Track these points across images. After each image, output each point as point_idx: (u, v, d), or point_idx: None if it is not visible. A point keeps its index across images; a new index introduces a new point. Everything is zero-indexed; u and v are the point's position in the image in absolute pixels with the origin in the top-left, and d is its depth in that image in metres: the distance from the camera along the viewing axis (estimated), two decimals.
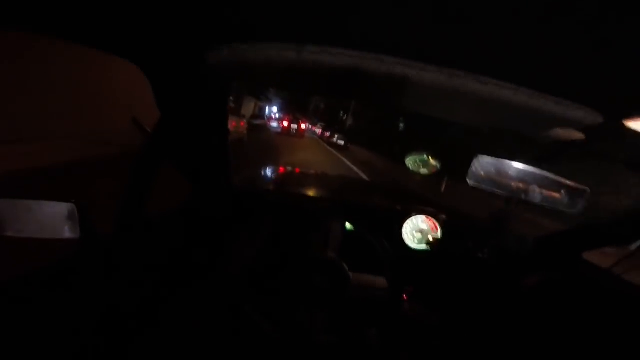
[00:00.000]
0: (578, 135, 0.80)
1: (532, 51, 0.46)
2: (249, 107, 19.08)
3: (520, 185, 0.98)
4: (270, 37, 0.56)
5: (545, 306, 1.26)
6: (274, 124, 24.67)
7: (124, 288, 0.90)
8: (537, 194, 0.97)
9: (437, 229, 1.34)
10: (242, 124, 11.56)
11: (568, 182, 0.94)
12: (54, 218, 0.77)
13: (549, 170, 0.96)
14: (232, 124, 11.01)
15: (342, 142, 19.35)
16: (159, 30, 0.59)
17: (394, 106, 0.76)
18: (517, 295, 1.27)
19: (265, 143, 12.65)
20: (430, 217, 1.34)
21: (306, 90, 0.86)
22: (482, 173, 0.99)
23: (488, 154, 1.01)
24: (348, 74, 0.60)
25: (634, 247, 1.09)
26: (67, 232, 0.78)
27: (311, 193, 1.48)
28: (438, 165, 1.41)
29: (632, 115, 0.63)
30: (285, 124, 23.66)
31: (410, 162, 1.43)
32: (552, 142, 0.87)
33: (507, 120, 0.77)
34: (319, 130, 28.04)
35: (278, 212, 1.10)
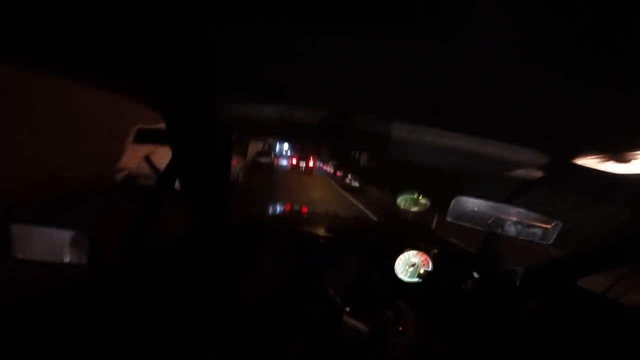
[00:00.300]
0: (539, 174, 0.91)
1: (482, 101, 0.55)
2: (256, 145, 19.14)
3: (496, 220, 1.05)
4: (275, 99, 0.68)
5: (540, 334, 1.25)
6: (283, 162, 25.13)
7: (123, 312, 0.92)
8: (512, 228, 1.04)
9: (428, 262, 1.39)
10: (234, 162, 11.34)
11: (539, 216, 1.02)
12: (62, 244, 0.83)
13: (521, 206, 1.05)
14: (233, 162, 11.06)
15: (356, 184, 16.77)
16: (181, 87, 0.69)
17: (375, 151, 0.89)
18: (508, 324, 1.27)
19: (270, 180, 12.59)
20: (421, 252, 1.40)
21: (300, 140, 1.00)
22: (460, 211, 1.07)
23: (467, 194, 1.10)
24: (332, 127, 0.72)
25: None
26: (74, 258, 0.84)
27: (306, 230, 1.54)
28: (427, 204, 1.50)
29: (580, 154, 0.73)
30: (294, 161, 24.10)
31: (401, 201, 1.52)
32: (520, 180, 0.97)
33: (467, 164, 0.88)
34: (330, 169, 27.12)
35: (274, 248, 1.14)
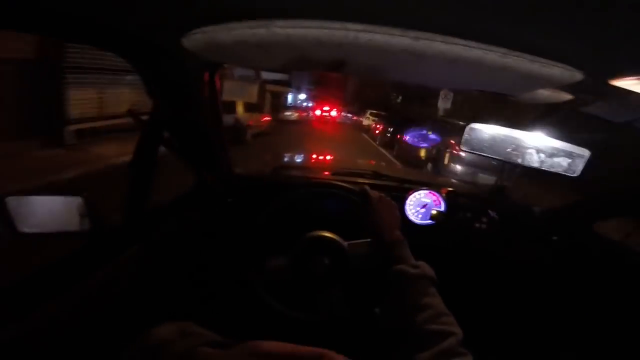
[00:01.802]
0: (566, 96, 0.78)
1: (505, 8, 0.44)
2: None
3: (516, 149, 0.96)
4: (240, 16, 0.57)
5: (554, 278, 1.25)
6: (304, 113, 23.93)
7: (138, 278, 0.96)
8: (534, 157, 0.95)
9: (440, 202, 1.33)
10: (268, 117, 11.44)
11: (565, 145, 0.92)
12: (66, 212, 0.83)
13: (545, 133, 0.94)
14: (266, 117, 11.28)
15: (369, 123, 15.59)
16: (137, 22, 0.63)
17: (368, 74, 0.77)
18: (523, 265, 1.27)
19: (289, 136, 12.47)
20: (433, 192, 1.33)
21: (286, 66, 0.86)
22: (476, 140, 0.98)
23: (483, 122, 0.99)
24: (321, 46, 0.61)
25: None
26: (77, 225, 0.84)
27: (310, 175, 1.50)
28: (437, 139, 1.40)
29: (617, 74, 0.61)
30: (319, 112, 23.41)
31: (410, 138, 1.42)
32: (541, 104, 0.85)
33: (485, 82, 0.76)
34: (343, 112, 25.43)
35: (275, 196, 1.11)
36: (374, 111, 19.42)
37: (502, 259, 1.28)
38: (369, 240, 0.99)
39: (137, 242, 0.95)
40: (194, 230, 1.12)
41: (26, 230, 0.78)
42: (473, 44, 0.56)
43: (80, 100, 6.99)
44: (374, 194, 0.90)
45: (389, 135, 11.80)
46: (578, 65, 0.61)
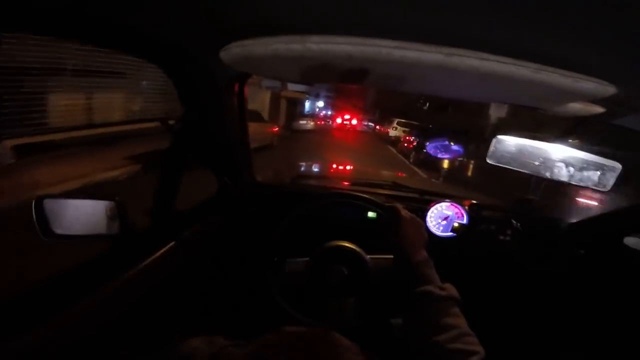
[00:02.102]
0: (598, 109, 0.78)
1: (537, 22, 0.44)
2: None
3: (544, 162, 0.95)
4: (277, 31, 0.59)
5: (580, 291, 1.22)
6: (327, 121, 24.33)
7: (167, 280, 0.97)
8: (562, 171, 0.93)
9: (462, 215, 1.32)
10: (274, 129, 11.09)
11: (596, 158, 0.90)
12: (96, 215, 0.85)
13: (576, 147, 0.93)
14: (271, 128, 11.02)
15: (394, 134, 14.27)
16: (176, 32, 0.65)
17: (395, 87, 0.77)
18: (548, 278, 1.24)
19: (303, 140, 12.60)
20: (455, 204, 1.32)
21: (317, 79, 0.89)
22: (503, 152, 0.97)
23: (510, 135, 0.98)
24: (353, 61, 0.62)
25: None
26: (108, 229, 0.86)
27: (333, 185, 1.51)
28: (460, 150, 1.39)
29: None
30: (339, 120, 23.36)
31: (432, 148, 1.42)
32: (573, 117, 0.84)
33: (516, 96, 0.76)
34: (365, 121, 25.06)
35: (297, 204, 1.12)
36: (403, 120, 17.49)
37: (526, 271, 1.26)
38: (392, 256, 0.99)
39: (163, 245, 0.97)
40: (216, 234, 1.14)
41: (59, 231, 0.80)
42: (506, 59, 0.57)
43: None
44: (405, 212, 0.91)
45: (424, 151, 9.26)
46: (611, 79, 0.60)
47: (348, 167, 2.54)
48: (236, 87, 0.91)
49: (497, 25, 0.47)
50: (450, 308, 0.67)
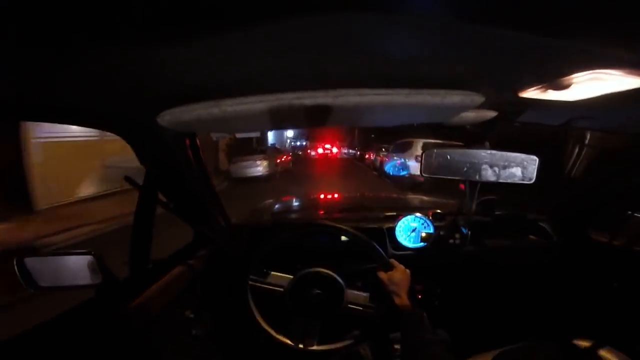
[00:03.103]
0: (491, 113, 0.87)
1: (396, 58, 0.54)
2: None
3: (471, 167, 1.02)
4: (196, 99, 0.73)
5: (552, 279, 1.24)
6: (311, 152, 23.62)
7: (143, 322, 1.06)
8: (489, 172, 1.00)
9: (428, 225, 1.38)
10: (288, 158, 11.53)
11: (514, 155, 0.97)
12: (77, 268, 0.97)
13: (495, 148, 1.01)
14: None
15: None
16: (115, 103, 0.76)
17: (316, 126, 0.90)
18: (519, 272, 1.27)
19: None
20: (419, 215, 1.39)
21: (246, 131, 1.04)
22: (434, 164, 1.05)
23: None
24: (266, 114, 0.76)
25: None
26: (90, 279, 0.97)
27: (306, 215, 1.60)
28: (413, 165, 1.48)
29: (520, 87, 0.70)
30: (320, 150, 23.07)
31: (390, 168, 1.52)
32: (477, 123, 0.94)
33: (409, 117, 0.86)
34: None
35: (275, 236, 1.21)
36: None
37: (498, 267, 1.30)
38: (369, 295, 1.13)
39: (142, 292, 1.07)
40: (195, 274, 1.23)
41: (43, 284, 0.92)
42: (380, 91, 0.69)
43: None
44: (398, 266, 1.08)
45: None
46: (476, 89, 0.71)
47: (323, 196, 2.64)
48: (187, 142, 1.05)
49: (364, 66, 0.58)
50: (441, 352, 0.77)
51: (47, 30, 0.37)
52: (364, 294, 1.12)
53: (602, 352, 0.88)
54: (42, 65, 0.49)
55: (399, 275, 1.03)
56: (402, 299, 0.97)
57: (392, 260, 1.07)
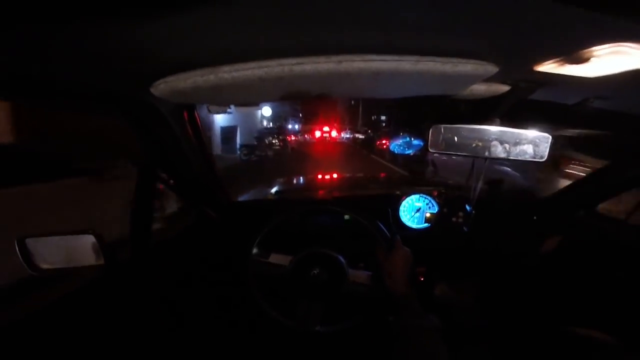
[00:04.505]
0: (504, 87, 0.82)
1: (406, 19, 0.49)
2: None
3: (482, 144, 0.99)
4: (192, 66, 0.68)
5: (559, 266, 1.22)
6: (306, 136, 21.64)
7: (148, 303, 1.06)
8: (499, 148, 0.97)
9: (433, 205, 1.36)
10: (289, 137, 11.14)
11: (527, 132, 0.94)
12: (79, 248, 0.95)
13: (506, 125, 0.97)
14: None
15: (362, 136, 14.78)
16: (106, 78, 0.73)
17: (316, 96, 0.85)
18: (523, 258, 1.25)
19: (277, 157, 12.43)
20: (424, 195, 1.36)
21: (242, 103, 0.99)
22: (441, 140, 1.02)
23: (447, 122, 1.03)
24: (265, 81, 0.71)
25: None
26: (92, 260, 0.96)
27: (310, 194, 1.58)
28: (420, 143, 1.44)
29: (536, 59, 0.65)
30: (318, 133, 20.55)
31: (395, 147, 1.48)
32: (487, 98, 0.89)
33: (416, 88, 0.81)
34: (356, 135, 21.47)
35: (277, 214, 1.19)
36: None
37: (503, 253, 1.28)
38: (371, 273, 1.09)
39: (146, 274, 1.06)
40: (198, 249, 1.23)
41: (45, 266, 0.91)
42: (387, 57, 0.64)
43: None
44: (400, 247, 1.03)
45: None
46: (490, 59, 0.66)
47: (324, 176, 2.61)
48: (185, 116, 1.00)
49: (370, 30, 0.53)
50: (432, 338, 0.73)
51: (37, 4, 0.35)
52: (367, 273, 1.10)
53: None
54: (33, 40, 0.46)
55: (398, 257, 0.99)
56: (394, 281, 0.94)
57: (397, 240, 1.04)
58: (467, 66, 0.66)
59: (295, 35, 0.55)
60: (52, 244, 0.93)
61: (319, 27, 0.52)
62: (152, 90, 0.75)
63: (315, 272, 1.08)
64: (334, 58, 0.64)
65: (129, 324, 0.99)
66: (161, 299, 1.10)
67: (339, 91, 0.84)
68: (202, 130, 1.08)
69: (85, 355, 0.88)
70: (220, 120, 12.99)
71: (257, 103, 0.97)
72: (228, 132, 14.10)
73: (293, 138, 18.46)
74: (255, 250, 1.11)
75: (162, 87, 0.73)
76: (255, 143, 13.83)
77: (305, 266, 1.08)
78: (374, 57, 0.63)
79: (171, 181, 1.14)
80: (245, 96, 0.86)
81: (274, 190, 1.63)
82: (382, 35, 0.56)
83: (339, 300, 1.07)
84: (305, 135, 20.70)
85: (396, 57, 0.64)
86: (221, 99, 0.88)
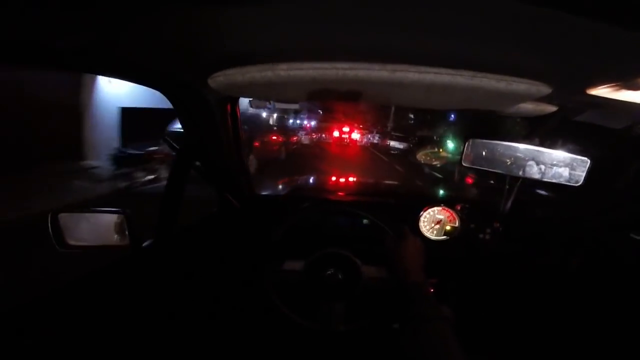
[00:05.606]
0: (551, 108, 0.83)
1: (465, 35, 0.50)
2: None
3: (516, 162, 0.99)
4: (252, 61, 0.69)
5: (587, 288, 1.21)
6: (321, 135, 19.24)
7: (169, 287, 1.07)
8: (534, 169, 0.97)
9: (454, 218, 1.35)
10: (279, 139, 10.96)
11: (565, 154, 0.94)
12: (107, 228, 0.95)
13: (544, 145, 0.97)
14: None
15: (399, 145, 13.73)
16: (170, 64, 0.76)
17: (364, 102, 0.86)
18: (548, 275, 1.25)
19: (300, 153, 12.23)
20: (446, 208, 1.36)
21: (292, 100, 1.00)
22: (476, 154, 1.02)
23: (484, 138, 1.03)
24: (317, 83, 0.72)
25: None
26: (119, 239, 0.96)
27: (327, 195, 1.58)
28: (448, 156, 1.44)
29: (591, 83, 0.66)
30: (336, 133, 17.80)
31: (422, 156, 1.48)
32: (533, 118, 0.89)
33: (465, 102, 0.82)
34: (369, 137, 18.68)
35: (294, 213, 1.20)
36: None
37: (524, 269, 1.28)
38: (384, 267, 1.08)
39: (167, 258, 1.07)
40: (218, 242, 1.23)
41: (72, 243, 0.90)
42: (442, 70, 0.64)
43: None
44: (410, 236, 1.00)
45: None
46: (541, 79, 0.66)
47: (345, 179, 2.62)
48: (228, 108, 1.02)
49: (429, 41, 0.54)
50: (441, 328, 0.72)
51: None
52: (381, 267, 1.09)
53: None
54: (107, 18, 0.47)
55: (408, 246, 0.98)
56: (406, 270, 0.92)
57: (406, 229, 1.03)
58: (520, 85, 0.66)
59: (352, 38, 0.55)
60: (83, 220, 0.93)
61: (378, 32, 0.52)
62: (210, 81, 0.77)
63: (330, 272, 1.08)
64: (389, 67, 0.64)
65: (150, 307, 0.99)
66: (180, 285, 1.11)
67: (388, 99, 0.85)
68: (240, 123, 1.09)
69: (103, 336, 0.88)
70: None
71: (302, 100, 0.98)
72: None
73: (304, 136, 16.60)
74: (270, 258, 1.11)
75: (221, 79, 0.75)
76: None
77: (319, 268, 1.08)
78: (429, 69, 0.64)
79: (202, 168, 1.15)
80: (293, 94, 0.88)
81: (294, 187, 1.64)
82: (439, 47, 0.56)
83: (359, 298, 1.07)
84: (315, 135, 18.10)
85: (451, 71, 0.64)
86: (270, 94, 0.90)
